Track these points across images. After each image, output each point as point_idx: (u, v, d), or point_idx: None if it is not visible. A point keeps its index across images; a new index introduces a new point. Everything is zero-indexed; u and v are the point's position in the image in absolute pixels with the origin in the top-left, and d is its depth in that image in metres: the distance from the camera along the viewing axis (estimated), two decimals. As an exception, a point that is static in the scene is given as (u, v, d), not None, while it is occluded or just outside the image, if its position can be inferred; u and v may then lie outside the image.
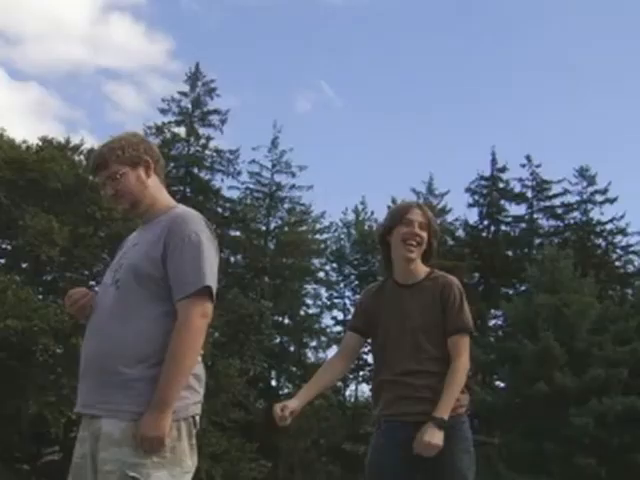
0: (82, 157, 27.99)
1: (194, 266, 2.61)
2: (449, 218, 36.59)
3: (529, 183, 36.00)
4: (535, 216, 36.33)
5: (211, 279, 2.63)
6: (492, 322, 35.63)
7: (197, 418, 2.72)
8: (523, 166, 35.82)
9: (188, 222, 2.70)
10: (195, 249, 2.63)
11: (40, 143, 27.64)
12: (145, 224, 2.85)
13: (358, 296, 37.58)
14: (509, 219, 36.65)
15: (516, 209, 36.51)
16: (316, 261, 36.53)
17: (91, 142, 32.42)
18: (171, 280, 2.64)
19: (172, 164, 34.94)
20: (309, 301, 35.91)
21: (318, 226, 36.97)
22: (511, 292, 34.40)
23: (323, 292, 36.45)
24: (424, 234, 3.29)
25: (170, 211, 2.80)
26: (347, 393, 35.67)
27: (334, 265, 37.07)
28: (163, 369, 2.55)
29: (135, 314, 2.62)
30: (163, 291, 2.65)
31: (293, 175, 35.60)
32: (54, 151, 27.16)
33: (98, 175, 2.86)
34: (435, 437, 3.05)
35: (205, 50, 57.49)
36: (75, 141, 28.26)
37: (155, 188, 2.85)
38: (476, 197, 36.35)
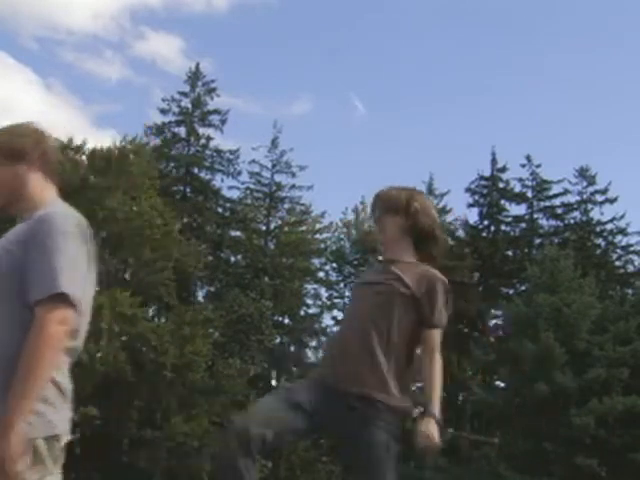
0: (84, 157, 27.99)
1: (50, 270, 2.37)
2: (449, 218, 36.63)
3: (529, 183, 36.04)
4: (535, 216, 36.35)
5: (69, 284, 2.39)
6: (492, 322, 35.66)
7: (63, 437, 2.40)
8: (523, 166, 35.88)
9: (52, 222, 2.47)
10: (54, 252, 2.40)
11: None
12: (19, 222, 2.62)
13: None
14: (509, 219, 36.68)
15: (516, 209, 36.59)
16: (316, 261, 36.56)
17: (94, 142, 32.40)
18: (28, 284, 2.41)
19: (172, 164, 35.00)
20: (309, 301, 35.96)
21: (318, 226, 37.01)
22: (511, 292, 34.41)
23: (323, 292, 36.51)
24: (382, 218, 3.19)
25: (43, 209, 2.57)
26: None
27: (334, 265, 37.08)
28: (13, 381, 2.28)
29: None
30: (19, 293, 2.42)
31: (293, 175, 35.68)
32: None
33: None
34: (435, 431, 2.96)
35: (206, 50, 57.59)
36: (78, 141, 28.24)
37: (37, 186, 2.64)
38: (476, 197, 36.39)
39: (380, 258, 3.27)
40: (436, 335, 3.05)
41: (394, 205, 3.16)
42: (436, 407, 3.00)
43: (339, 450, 3.10)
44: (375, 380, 2.97)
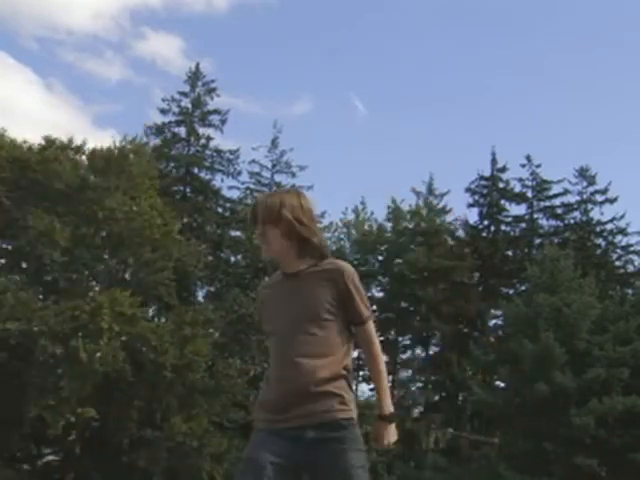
0: (84, 157, 27.98)
1: None
2: (449, 218, 36.63)
3: (529, 183, 36.03)
4: (535, 216, 36.35)
5: None
6: (492, 322, 35.67)
7: None
8: (523, 166, 35.87)
9: None
10: None
11: (43, 143, 27.62)
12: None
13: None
14: (509, 219, 36.67)
15: (516, 209, 36.59)
16: (316, 261, 36.51)
17: (94, 142, 32.40)
18: None
19: (172, 164, 34.96)
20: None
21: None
22: (511, 292, 34.39)
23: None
24: (263, 228, 3.05)
25: None
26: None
27: (334, 265, 36.98)
28: None
29: None
30: None
31: (293, 175, 35.64)
32: (57, 151, 27.13)
33: None
34: (394, 434, 2.95)
35: (206, 50, 57.59)
36: (78, 141, 28.23)
37: None
38: (476, 197, 36.38)
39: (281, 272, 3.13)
40: (368, 328, 3.01)
41: (270, 215, 3.02)
42: (385, 406, 2.96)
43: None
44: (328, 396, 2.90)
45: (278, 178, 35.70)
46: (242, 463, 2.98)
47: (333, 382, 2.92)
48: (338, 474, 2.85)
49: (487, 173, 36.37)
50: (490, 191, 36.32)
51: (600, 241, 35.53)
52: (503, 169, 36.47)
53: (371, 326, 3.03)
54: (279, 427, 2.91)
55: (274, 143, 35.69)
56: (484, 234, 36.40)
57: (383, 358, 3.04)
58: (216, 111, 35.26)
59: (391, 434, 2.95)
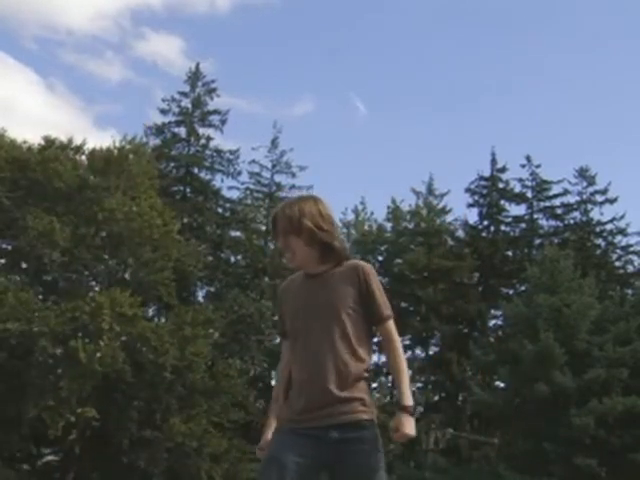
0: (84, 157, 27.97)
1: None
2: (449, 218, 36.63)
3: (529, 183, 36.01)
4: (535, 216, 36.32)
5: None
6: (492, 322, 35.66)
7: None
8: (523, 166, 35.85)
9: None
10: None
11: (43, 143, 27.61)
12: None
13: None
14: (509, 219, 36.66)
15: (516, 209, 36.57)
16: (316, 261, 36.48)
17: (95, 143, 32.41)
18: None
19: (172, 164, 34.98)
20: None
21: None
22: (511, 292, 34.38)
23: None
24: (286, 239, 3.09)
25: None
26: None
27: (334, 265, 36.96)
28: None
29: None
30: None
31: (293, 175, 35.66)
32: (56, 151, 27.12)
33: None
34: (413, 428, 2.93)
35: (207, 50, 57.59)
36: (77, 141, 28.23)
37: None
38: (476, 197, 36.37)
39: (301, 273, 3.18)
40: (388, 327, 3.09)
41: (291, 226, 3.06)
42: (405, 398, 2.96)
43: None
44: (351, 398, 2.95)
45: (278, 178, 35.76)
46: (265, 462, 3.00)
47: (355, 385, 2.97)
48: (361, 474, 2.90)
49: (487, 173, 36.40)
50: (490, 191, 36.32)
51: (600, 241, 35.50)
52: (503, 169, 36.47)
53: (392, 325, 3.10)
54: (302, 427, 2.96)
55: (274, 143, 35.74)
56: (484, 234, 36.38)
57: (404, 355, 3.08)
58: (216, 111, 35.31)
59: (411, 426, 2.92)
